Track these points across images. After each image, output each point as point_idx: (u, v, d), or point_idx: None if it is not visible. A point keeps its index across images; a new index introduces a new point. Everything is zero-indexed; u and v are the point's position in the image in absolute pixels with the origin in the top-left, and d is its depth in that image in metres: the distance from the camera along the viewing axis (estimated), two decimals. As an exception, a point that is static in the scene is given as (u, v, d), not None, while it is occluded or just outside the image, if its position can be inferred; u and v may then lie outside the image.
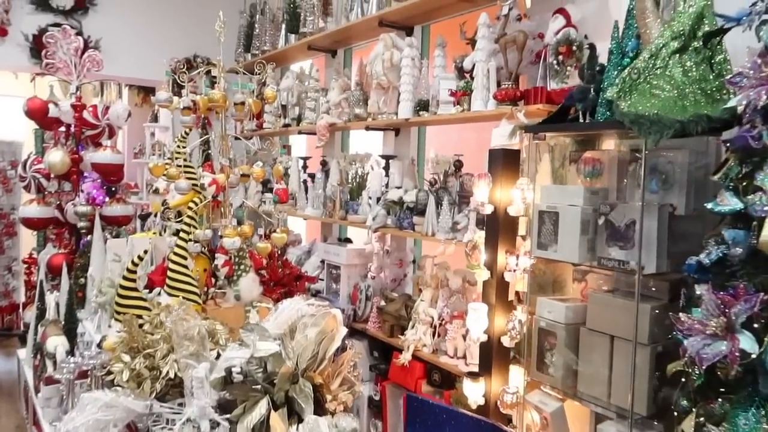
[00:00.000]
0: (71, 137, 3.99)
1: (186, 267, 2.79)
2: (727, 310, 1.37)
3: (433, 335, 3.19)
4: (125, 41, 5.41)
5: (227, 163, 2.96)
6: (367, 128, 3.76)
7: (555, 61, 2.55)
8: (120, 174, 4.12)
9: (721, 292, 1.40)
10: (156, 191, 3.71)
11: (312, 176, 4.35)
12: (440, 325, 3.17)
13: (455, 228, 2.95)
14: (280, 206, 3.30)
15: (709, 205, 1.49)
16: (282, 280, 3.91)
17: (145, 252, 2.56)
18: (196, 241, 3.02)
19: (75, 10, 5.25)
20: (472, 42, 3.12)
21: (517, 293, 2.30)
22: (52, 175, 4.00)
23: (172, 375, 2.02)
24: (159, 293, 2.89)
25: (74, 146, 4.02)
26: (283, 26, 4.73)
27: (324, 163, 4.38)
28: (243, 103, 2.98)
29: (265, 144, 3.06)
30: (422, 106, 3.17)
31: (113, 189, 6.26)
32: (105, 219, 4.13)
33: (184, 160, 3.35)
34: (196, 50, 5.32)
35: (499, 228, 2.24)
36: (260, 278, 3.70)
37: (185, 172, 3.26)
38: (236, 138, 3.36)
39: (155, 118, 5.57)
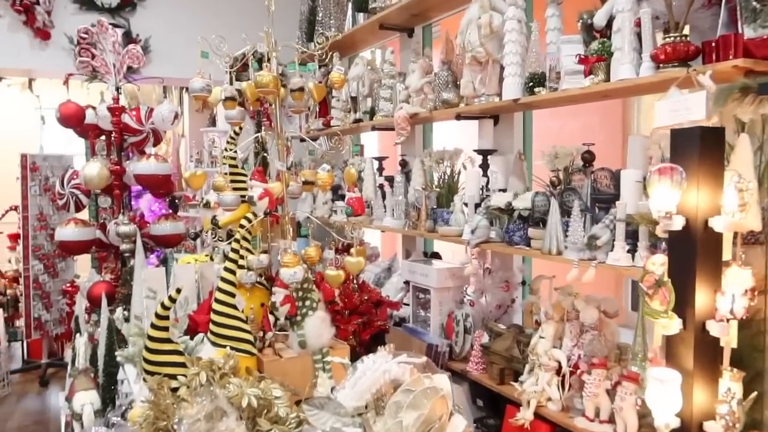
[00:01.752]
0: (112, 146, 3.44)
1: (233, 306, 2.11)
2: None
3: (561, 386, 2.39)
4: (177, 39, 4.89)
5: (284, 168, 2.27)
6: (459, 117, 3.00)
7: (753, -4, 1.70)
8: (168, 186, 3.55)
9: None
10: (207, 205, 3.10)
11: (390, 180, 3.63)
12: (571, 373, 2.37)
13: (593, 244, 2.14)
14: (354, 219, 2.58)
15: None
16: (359, 308, 3.20)
17: (178, 291, 1.90)
18: (249, 270, 2.36)
19: (122, 8, 4.78)
20: (603, -10, 2.30)
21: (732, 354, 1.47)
22: (91, 191, 3.47)
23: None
24: (202, 340, 2.24)
25: (116, 156, 3.47)
26: (350, 5, 4.03)
27: (404, 164, 3.65)
28: (302, 90, 2.28)
29: (333, 142, 2.35)
30: (537, 81, 2.37)
31: (176, 202, 5.81)
32: (154, 239, 3.56)
33: (235, 166, 2.71)
34: (257, 48, 4.74)
35: (696, 251, 1.42)
36: (332, 307, 3.01)
37: (234, 181, 2.61)
38: (297, 139, 2.66)
39: (213, 122, 5.02)
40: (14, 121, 6.91)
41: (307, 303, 2.26)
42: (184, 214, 4.97)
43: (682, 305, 1.43)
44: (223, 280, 2.11)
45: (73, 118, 3.33)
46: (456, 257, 3.55)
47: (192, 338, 2.24)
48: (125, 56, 3.47)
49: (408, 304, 3.49)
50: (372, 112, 3.70)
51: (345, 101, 4.03)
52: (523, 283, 3.05)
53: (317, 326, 2.21)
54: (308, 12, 4.72)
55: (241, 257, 2.29)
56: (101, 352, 2.94)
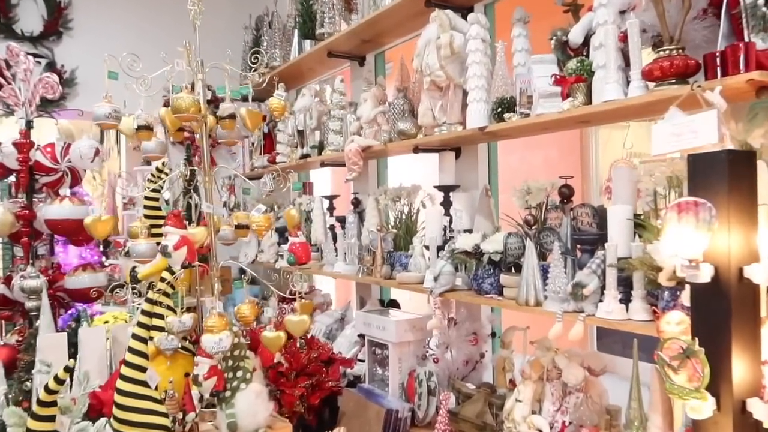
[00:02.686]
0: (19, 187, 2.98)
1: (143, 384, 1.70)
2: None
3: (546, 461, 2.03)
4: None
5: (211, 210, 1.89)
6: (417, 149, 2.68)
7: (763, 3, 1.45)
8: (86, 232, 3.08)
9: None
10: (128, 253, 2.67)
11: (342, 220, 3.27)
12: (556, 444, 2.02)
13: (578, 294, 1.82)
14: (299, 269, 2.20)
15: None
16: (306, 368, 2.79)
17: (68, 369, 1.48)
18: (170, 333, 1.94)
19: (45, 36, 4.35)
20: (573, 6, 2.05)
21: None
22: (-5, 239, 2.99)
23: None
24: (105, 426, 1.79)
25: (26, 198, 3.01)
26: (296, 32, 3.73)
27: (357, 203, 3.30)
28: (233, 117, 1.92)
29: (274, 180, 2.00)
30: (506, 106, 2.08)
31: (106, 249, 5.29)
32: (69, 294, 3.08)
33: (157, 208, 2.30)
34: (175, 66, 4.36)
35: (730, 309, 1.10)
36: (274, 370, 2.59)
37: (156, 226, 2.20)
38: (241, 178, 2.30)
39: (148, 161, 4.56)
40: None
41: (239, 374, 1.85)
42: (114, 261, 4.46)
43: (716, 380, 1.10)
44: (131, 350, 1.69)
45: (-28, 156, 2.86)
46: (417, 305, 3.19)
47: (94, 422, 1.80)
48: (38, 85, 3.05)
49: (363, 361, 3.09)
50: (321, 147, 3.36)
51: (291, 135, 3.69)
52: (493, 335, 2.71)
53: (251, 403, 1.80)
54: (252, 42, 4.40)
55: (157, 318, 1.88)
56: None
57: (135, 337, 1.70)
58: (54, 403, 1.49)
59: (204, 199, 1.92)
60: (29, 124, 3.00)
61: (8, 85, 3.02)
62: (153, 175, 2.22)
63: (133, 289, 2.40)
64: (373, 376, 2.92)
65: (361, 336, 3.12)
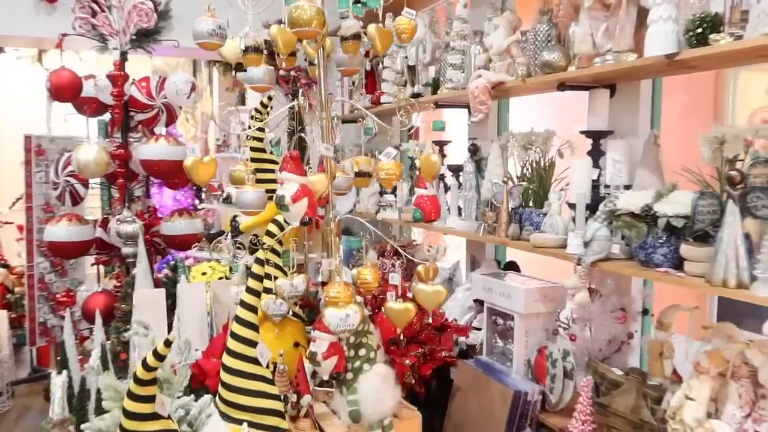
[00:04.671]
0: (115, 124, 2.78)
1: (254, 361, 1.42)
2: None
3: (730, 477, 1.63)
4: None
5: (331, 153, 1.54)
6: (562, 86, 2.22)
7: None
8: (183, 174, 2.86)
9: None
10: (227, 199, 2.41)
11: (456, 170, 2.88)
12: (748, 460, 1.60)
13: (809, 276, 1.36)
14: (426, 226, 1.84)
15: None
16: (419, 335, 2.49)
17: (168, 343, 1.21)
18: (278, 297, 1.65)
19: (139, -36, 4.11)
20: None
21: None
22: (90, 181, 2.82)
23: None
24: (209, 404, 1.54)
25: (120, 137, 2.81)
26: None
27: (474, 149, 2.88)
28: (357, 38, 1.55)
29: (401, 117, 1.63)
30: (709, 25, 1.58)
31: (201, 193, 5.13)
32: (166, 240, 2.89)
33: (261, 150, 1.99)
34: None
35: None
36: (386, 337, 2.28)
37: (261, 171, 1.90)
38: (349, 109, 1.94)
39: (242, 100, 4.32)
40: (23, 99, 6.25)
41: (362, 353, 1.54)
42: (209, 206, 4.31)
43: None
44: (239, 320, 1.40)
45: (68, 90, 2.67)
46: (541, 270, 2.80)
47: (197, 397, 1.55)
48: (132, 13, 2.79)
49: (478, 329, 2.75)
50: (436, 85, 2.94)
51: (399, 72, 3.29)
52: (645, 312, 2.28)
53: (376, 388, 1.49)
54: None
55: (268, 279, 1.58)
56: (92, 388, 2.29)
57: (244, 305, 1.41)
58: (154, 381, 1.23)
59: (320, 141, 1.58)
60: (124, 56, 2.76)
61: (102, 13, 2.79)
62: (258, 111, 1.90)
63: (234, 241, 2.14)
64: (492, 348, 2.57)
65: (478, 302, 2.77)
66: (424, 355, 2.49)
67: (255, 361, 1.39)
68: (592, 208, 2.10)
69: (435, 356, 2.53)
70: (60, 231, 2.65)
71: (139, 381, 1.25)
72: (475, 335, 2.72)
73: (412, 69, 3.13)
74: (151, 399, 1.27)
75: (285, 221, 1.58)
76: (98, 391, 2.28)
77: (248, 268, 1.71)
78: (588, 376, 2.14)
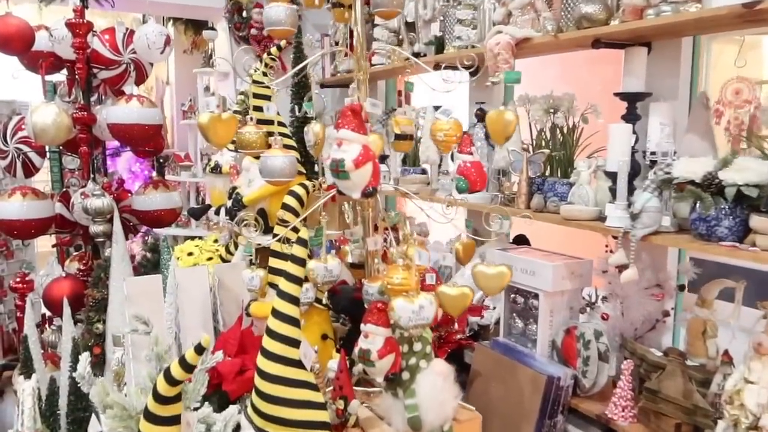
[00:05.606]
0: (76, 83, 2.40)
1: (296, 364, 1.15)
2: None
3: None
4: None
5: (380, 110, 1.28)
6: (597, 43, 2.01)
7: None
8: (158, 140, 2.52)
9: None
10: (216, 169, 2.10)
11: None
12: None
13: None
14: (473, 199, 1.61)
15: None
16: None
17: (200, 350, 0.94)
18: (312, 282, 1.38)
19: None
20: None
21: None
22: (47, 148, 2.44)
23: None
24: (238, 412, 1.27)
25: (82, 97, 2.43)
26: None
27: (482, 115, 2.65)
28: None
29: (494, 74, 1.38)
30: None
31: (161, 162, 4.69)
32: (139, 216, 2.56)
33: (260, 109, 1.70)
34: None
35: None
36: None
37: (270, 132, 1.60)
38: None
39: (209, 61, 3.93)
40: None
41: (417, 348, 1.31)
42: (173, 178, 3.92)
43: None
44: (278, 315, 1.14)
45: (16, 41, 2.27)
46: (546, 242, 2.64)
47: (219, 406, 1.28)
48: (92, -47, 2.40)
49: (490, 308, 2.56)
50: (440, 44, 2.68)
51: (393, 31, 3.01)
52: (681, 288, 2.13)
53: (438, 389, 1.26)
54: None
55: (284, 259, 1.32)
56: (63, 389, 1.98)
57: (284, 296, 1.15)
58: (178, 397, 0.96)
59: (365, 94, 1.31)
60: (84, 1, 2.37)
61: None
62: (266, 64, 1.60)
63: (232, 216, 1.85)
64: (510, 328, 2.38)
65: (491, 279, 2.57)
66: (439, 338, 2.29)
67: (298, 364, 1.14)
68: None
69: (450, 339, 2.33)
70: (14, 207, 2.27)
71: (161, 399, 0.98)
72: (488, 315, 2.54)
73: (410, 26, 2.85)
74: (175, 420, 1.00)
75: (314, 187, 1.31)
76: (72, 395, 1.96)
77: (268, 249, 1.43)
78: (628, 359, 1.99)
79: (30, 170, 2.59)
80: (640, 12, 1.81)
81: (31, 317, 2.06)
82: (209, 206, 2.26)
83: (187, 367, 0.96)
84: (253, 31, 3.70)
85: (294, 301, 1.14)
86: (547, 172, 2.34)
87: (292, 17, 1.37)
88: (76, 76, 2.40)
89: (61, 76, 2.72)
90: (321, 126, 1.46)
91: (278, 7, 1.34)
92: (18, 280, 2.76)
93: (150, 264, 2.28)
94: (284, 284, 1.15)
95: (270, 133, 1.60)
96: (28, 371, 1.88)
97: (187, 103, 3.96)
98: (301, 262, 1.17)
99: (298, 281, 1.16)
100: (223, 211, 1.99)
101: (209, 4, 3.84)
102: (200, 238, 2.46)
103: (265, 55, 1.52)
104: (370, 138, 1.21)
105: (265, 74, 1.46)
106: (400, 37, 2.94)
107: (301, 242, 1.17)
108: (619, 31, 1.89)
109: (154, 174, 4.71)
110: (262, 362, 1.12)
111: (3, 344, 3.85)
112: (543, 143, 2.34)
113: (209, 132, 1.30)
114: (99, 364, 2.15)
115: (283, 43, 1.53)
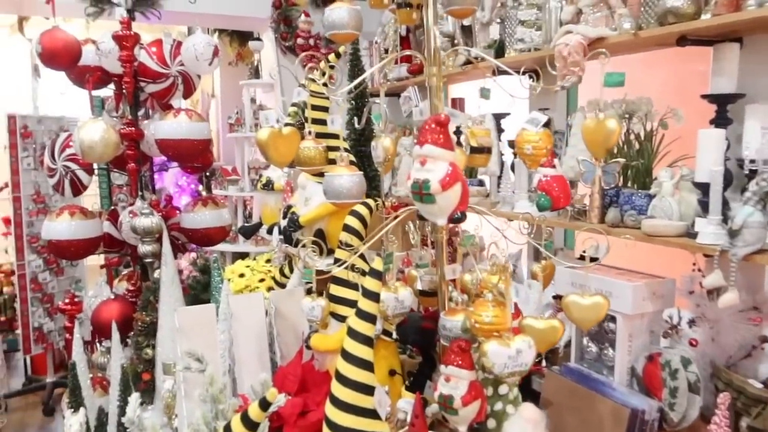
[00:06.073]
0: (123, 97, 2.33)
1: (371, 414, 1.00)
2: None
3: None
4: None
5: (459, 121, 1.13)
6: (683, 40, 1.83)
7: None
8: (206, 156, 2.43)
9: None
10: (267, 186, 1.98)
11: (523, 146, 2.46)
12: None
13: None
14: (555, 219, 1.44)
15: None
16: (498, 341, 2.09)
17: (266, 405, 0.80)
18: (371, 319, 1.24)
19: None
20: None
21: None
22: (95, 165, 2.37)
23: None
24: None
25: (129, 112, 2.36)
26: None
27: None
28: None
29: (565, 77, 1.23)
30: None
31: (208, 177, 4.62)
32: (187, 234, 2.47)
33: (323, 122, 1.57)
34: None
35: None
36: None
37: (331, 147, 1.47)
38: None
39: (256, 73, 3.86)
40: (2, 74, 5.62)
41: (503, 390, 1.15)
42: (220, 192, 3.86)
43: None
44: (348, 357, 1.00)
45: (63, 55, 2.22)
46: (613, 258, 2.43)
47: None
48: (138, -36, 2.33)
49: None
50: (500, 48, 2.52)
51: (447, 36, 2.86)
52: (780, 311, 1.90)
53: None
54: None
55: (348, 287, 1.18)
56: (112, 417, 1.89)
57: (356, 336, 1.01)
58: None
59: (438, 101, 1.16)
60: (131, 13, 2.30)
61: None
62: (322, 73, 1.48)
63: (287, 237, 1.72)
64: (583, 352, 2.19)
65: (558, 298, 2.39)
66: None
67: (372, 414, 0.99)
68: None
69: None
70: (62, 227, 2.21)
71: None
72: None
73: (466, 30, 2.70)
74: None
75: (378, 207, 1.17)
76: (121, 426, 1.87)
77: (328, 275, 1.30)
78: (723, 392, 1.78)
79: (78, 188, 2.54)
80: (737, 3, 1.62)
81: (80, 343, 1.98)
82: (260, 224, 2.15)
83: (265, 406, 0.84)
84: (300, 41, 3.61)
85: (367, 342, 1.00)
86: (620, 183, 2.16)
87: (356, 19, 1.24)
88: (123, 91, 2.33)
89: (108, 91, 2.67)
90: (391, 141, 1.34)
91: (341, 8, 1.21)
92: (66, 301, 2.71)
93: (200, 286, 2.18)
94: (355, 322, 1.01)
95: (330, 148, 1.48)
96: (76, 401, 1.80)
97: (234, 115, 3.91)
98: (375, 297, 1.03)
99: (371, 319, 1.02)
100: (276, 230, 1.87)
101: (255, 14, 3.78)
102: (248, 254, 2.35)
103: (322, 63, 1.39)
104: (456, 153, 1.06)
105: (325, 84, 1.33)
106: (456, 41, 2.79)
107: (375, 274, 1.03)
108: (709, 26, 1.70)
109: (201, 188, 4.67)
110: (331, 412, 0.99)
111: (54, 361, 3.84)
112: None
113: (269, 149, 1.18)
114: (148, 391, 2.06)
115: (342, 49, 1.40)
